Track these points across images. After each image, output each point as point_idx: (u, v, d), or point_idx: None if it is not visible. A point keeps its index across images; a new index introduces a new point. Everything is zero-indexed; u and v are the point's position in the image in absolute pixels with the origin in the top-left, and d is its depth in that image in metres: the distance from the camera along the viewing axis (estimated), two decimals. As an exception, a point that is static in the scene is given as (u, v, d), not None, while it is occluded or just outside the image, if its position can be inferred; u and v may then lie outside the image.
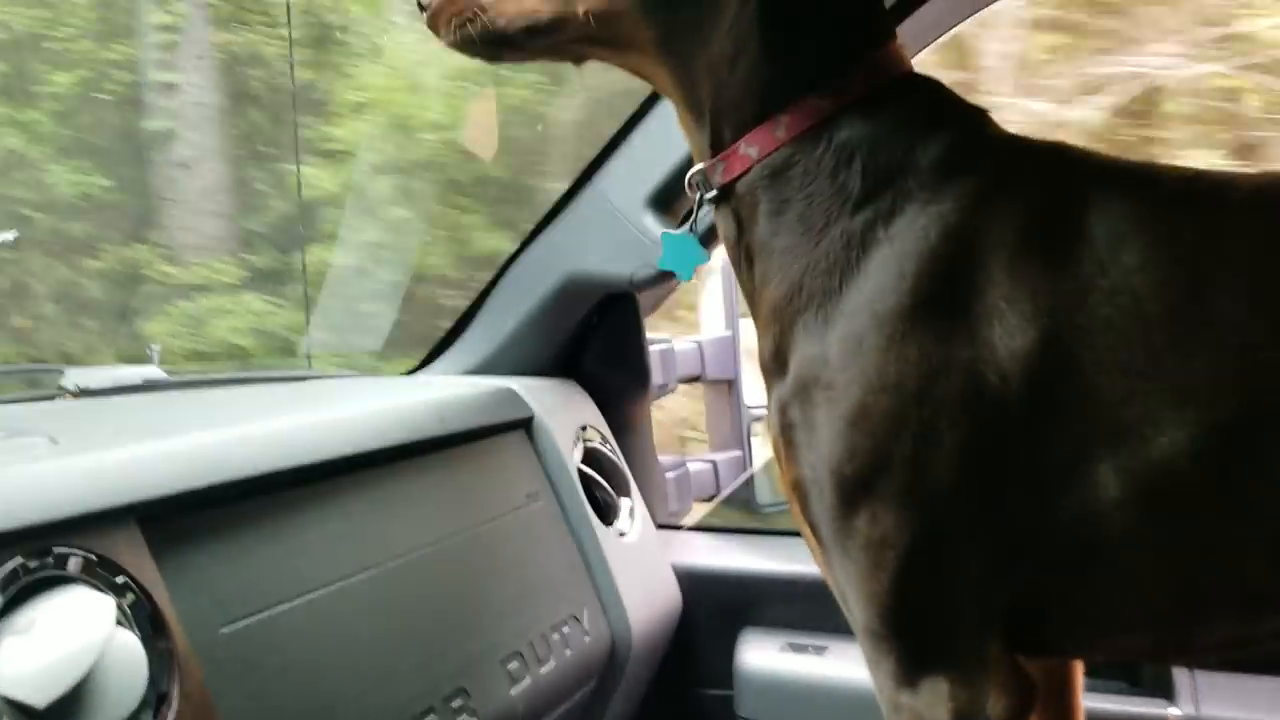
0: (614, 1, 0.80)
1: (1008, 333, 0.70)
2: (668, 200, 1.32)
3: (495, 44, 0.85)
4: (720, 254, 1.69)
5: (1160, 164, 0.80)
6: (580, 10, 0.81)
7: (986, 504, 0.71)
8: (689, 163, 1.27)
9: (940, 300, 0.71)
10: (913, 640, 0.74)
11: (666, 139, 1.29)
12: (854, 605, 0.76)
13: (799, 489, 0.77)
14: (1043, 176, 0.75)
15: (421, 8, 0.88)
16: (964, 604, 0.73)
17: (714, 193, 0.83)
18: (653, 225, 1.31)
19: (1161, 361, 0.68)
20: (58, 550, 0.71)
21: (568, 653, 1.16)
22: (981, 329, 0.70)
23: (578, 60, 0.88)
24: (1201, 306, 0.69)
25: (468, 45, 0.87)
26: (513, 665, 1.06)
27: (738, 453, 1.78)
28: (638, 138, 1.33)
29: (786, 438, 0.77)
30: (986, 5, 1.33)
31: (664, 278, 1.33)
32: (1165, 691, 1.20)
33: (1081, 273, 0.70)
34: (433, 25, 0.87)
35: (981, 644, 0.74)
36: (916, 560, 0.71)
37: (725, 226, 0.85)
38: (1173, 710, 1.18)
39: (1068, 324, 0.69)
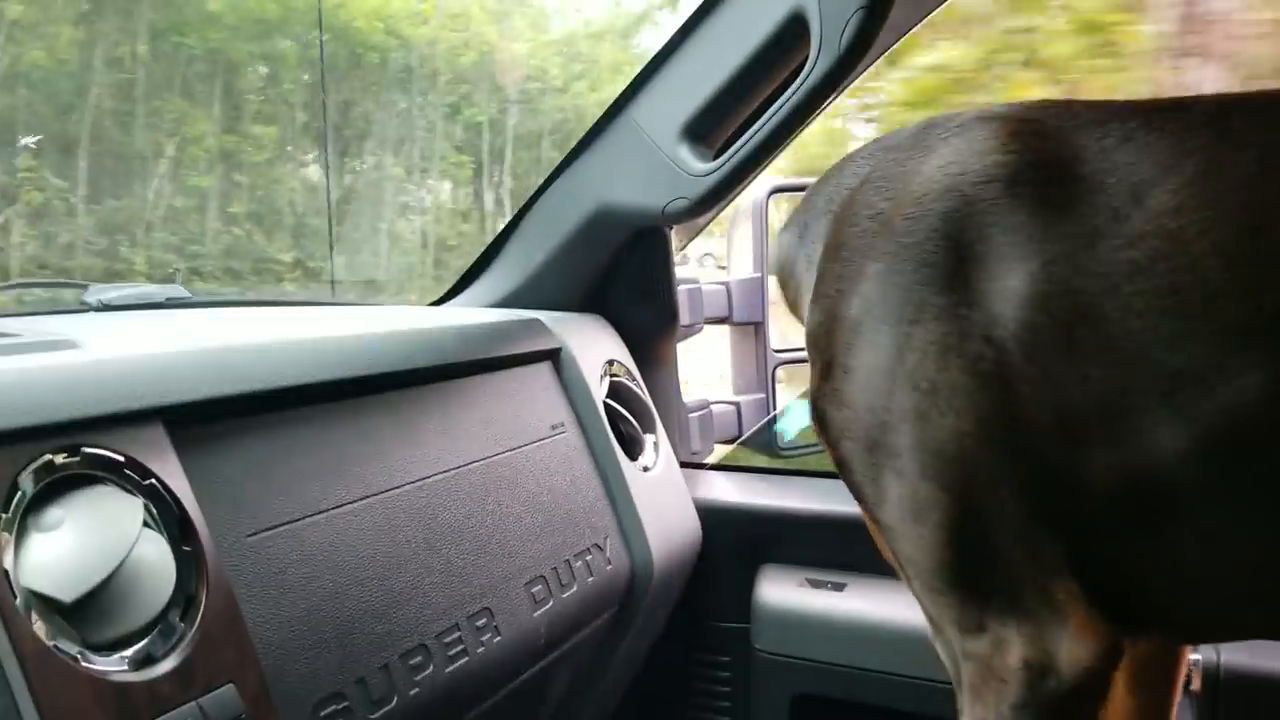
0: None
1: (1003, 292, 0.68)
2: (703, 130, 1.29)
3: None
4: (749, 199, 1.68)
5: (1181, 96, 0.74)
6: None
7: (1011, 455, 0.68)
8: (725, 91, 1.26)
9: (930, 267, 0.71)
10: (971, 589, 0.70)
11: (702, 67, 1.26)
12: (907, 566, 0.74)
13: (836, 459, 0.78)
14: (1025, 135, 0.72)
15: None
16: (1016, 553, 0.69)
17: None
18: (687, 156, 1.28)
19: (1218, 301, 0.64)
20: (87, 449, 0.70)
21: (590, 579, 1.16)
22: (975, 290, 0.69)
23: None
24: (1263, 239, 0.64)
25: None
26: (536, 589, 1.06)
27: (761, 395, 1.77)
28: (673, 65, 1.29)
29: (817, 413, 0.78)
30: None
31: (696, 211, 1.31)
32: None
33: (1089, 221, 0.67)
34: None
35: (1046, 590, 0.69)
36: (953, 515, 0.69)
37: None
38: (1192, 655, 1.17)
39: (1076, 273, 0.66)
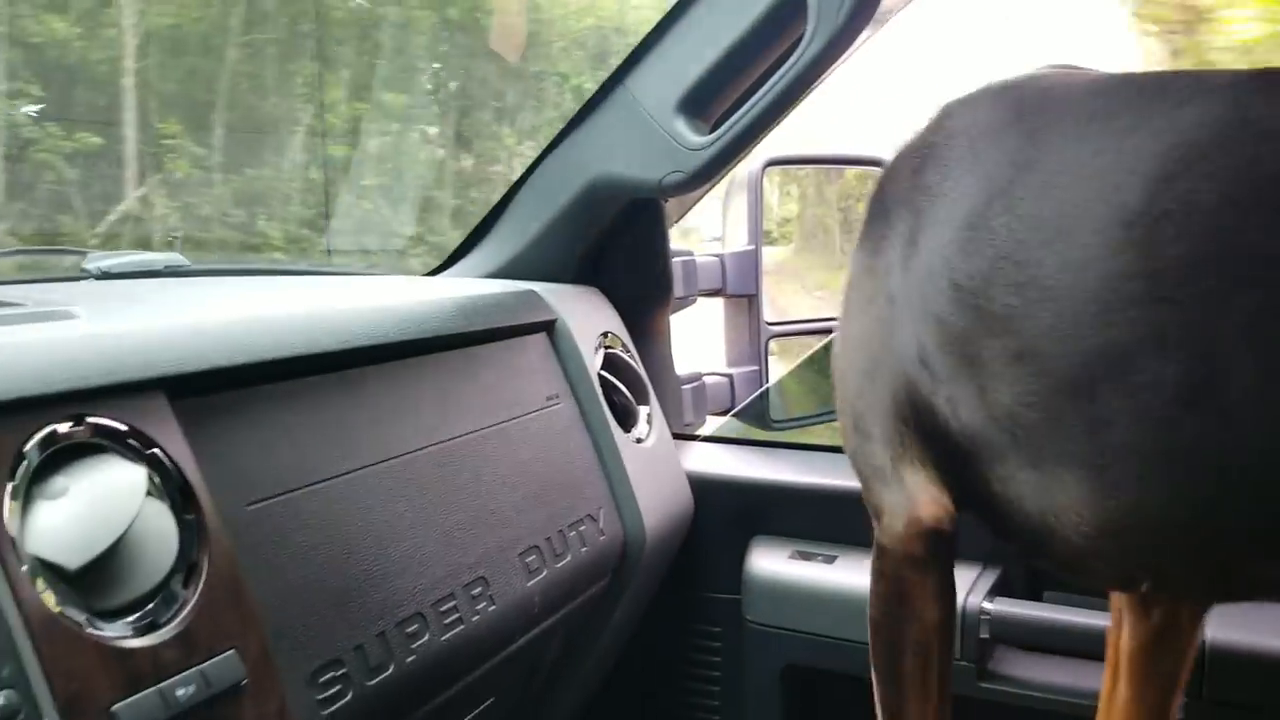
0: None
1: (893, 243, 0.84)
2: (700, 103, 1.29)
3: None
4: (744, 171, 1.68)
5: (1132, 73, 0.80)
6: None
7: (889, 371, 0.82)
8: (722, 64, 1.26)
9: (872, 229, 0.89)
10: (868, 479, 0.87)
11: (701, 40, 1.26)
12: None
13: None
14: (942, 126, 0.85)
15: None
16: (890, 448, 0.83)
17: None
18: (684, 129, 1.28)
19: (1040, 282, 0.71)
20: (91, 419, 0.71)
21: (583, 550, 1.17)
22: (884, 246, 0.85)
23: None
24: (1072, 234, 0.70)
25: None
26: (530, 558, 1.08)
27: (754, 368, 1.78)
28: (671, 38, 1.29)
29: None
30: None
31: (692, 184, 1.31)
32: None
33: (952, 203, 0.79)
34: None
35: (904, 480, 0.83)
36: (853, 419, 0.87)
37: None
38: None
39: (935, 240, 0.79)
